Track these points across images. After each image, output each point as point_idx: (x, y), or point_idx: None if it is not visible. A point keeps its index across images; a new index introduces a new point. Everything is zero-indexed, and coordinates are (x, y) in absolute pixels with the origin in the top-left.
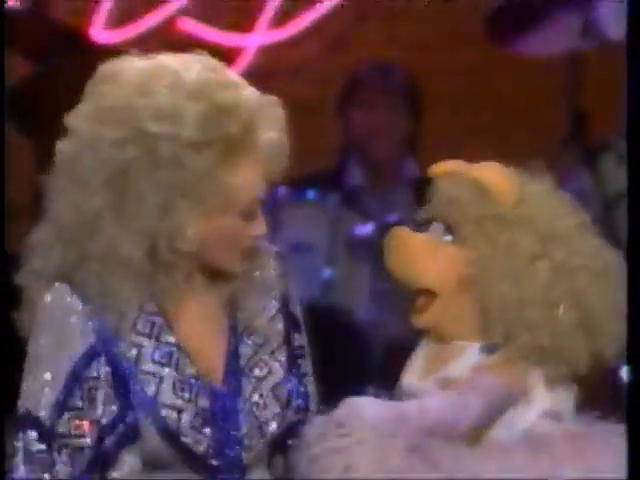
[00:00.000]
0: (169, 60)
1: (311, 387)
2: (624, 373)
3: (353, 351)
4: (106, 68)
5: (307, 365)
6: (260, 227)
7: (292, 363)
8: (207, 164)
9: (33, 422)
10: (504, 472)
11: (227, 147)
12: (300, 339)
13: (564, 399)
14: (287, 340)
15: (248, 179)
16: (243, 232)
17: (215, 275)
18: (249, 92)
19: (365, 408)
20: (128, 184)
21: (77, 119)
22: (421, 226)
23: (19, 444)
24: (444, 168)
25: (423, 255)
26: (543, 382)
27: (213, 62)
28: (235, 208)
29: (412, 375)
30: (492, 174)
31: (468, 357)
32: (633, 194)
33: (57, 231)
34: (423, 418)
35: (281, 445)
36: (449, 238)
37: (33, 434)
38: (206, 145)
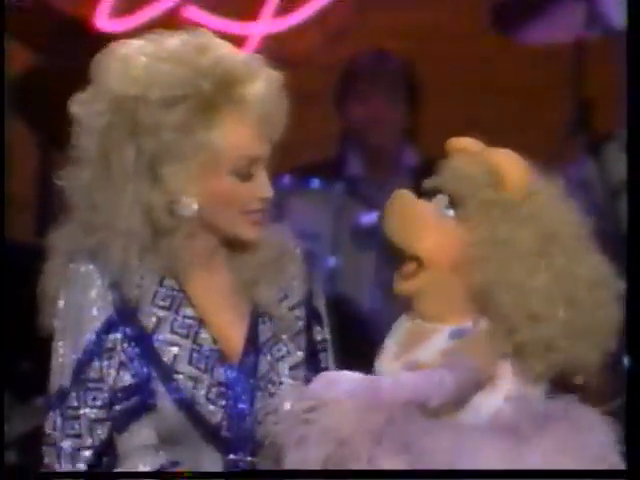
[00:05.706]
0: (163, 37)
1: None
2: (625, 364)
3: (357, 340)
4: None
5: (328, 360)
6: (263, 189)
7: (312, 355)
8: (179, 119)
9: (60, 395)
10: (469, 449)
11: (200, 103)
12: (322, 333)
13: (532, 386)
14: (308, 331)
15: (235, 136)
16: (242, 193)
17: (236, 253)
18: (230, 52)
19: (340, 381)
20: (112, 154)
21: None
22: (425, 195)
23: (50, 418)
24: (462, 144)
25: (422, 222)
26: (511, 372)
27: (205, 35)
28: (225, 167)
29: (384, 359)
30: (510, 163)
31: (437, 341)
32: (632, 185)
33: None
34: (397, 392)
35: None
36: (451, 213)
37: (61, 406)
38: (176, 101)
